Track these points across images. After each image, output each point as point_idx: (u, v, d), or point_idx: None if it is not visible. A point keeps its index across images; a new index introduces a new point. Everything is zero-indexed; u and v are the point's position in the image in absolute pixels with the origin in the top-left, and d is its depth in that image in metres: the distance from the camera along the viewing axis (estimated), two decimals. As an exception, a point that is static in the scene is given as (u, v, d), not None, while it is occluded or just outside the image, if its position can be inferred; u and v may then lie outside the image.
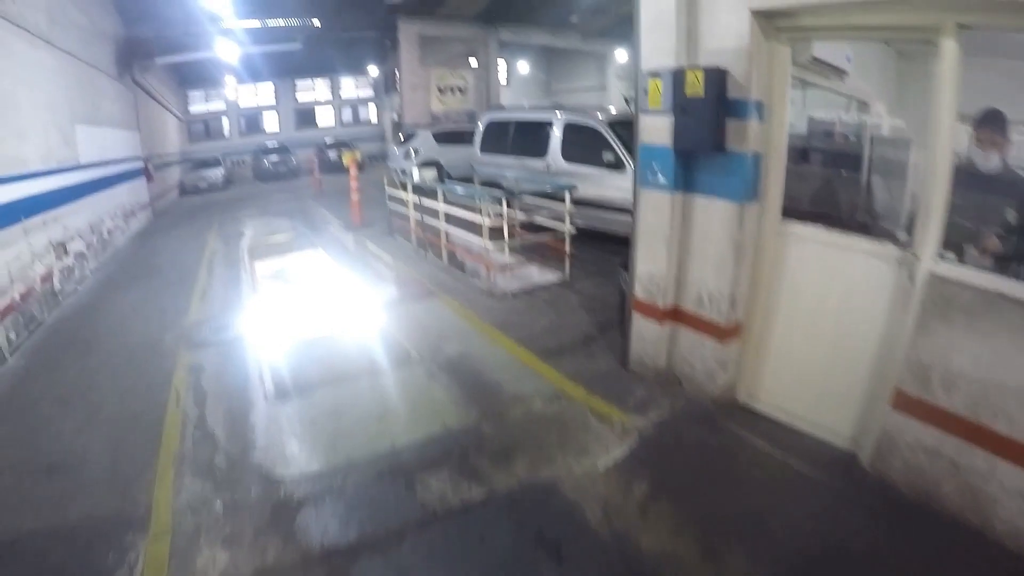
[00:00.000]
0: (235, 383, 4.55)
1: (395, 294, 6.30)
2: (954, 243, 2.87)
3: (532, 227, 7.29)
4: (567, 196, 6.38)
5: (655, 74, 3.64)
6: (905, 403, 2.94)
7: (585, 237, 7.44)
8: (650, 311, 4.00)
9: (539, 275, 6.51)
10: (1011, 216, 2.89)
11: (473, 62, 21.28)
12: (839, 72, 4.37)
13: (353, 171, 10.66)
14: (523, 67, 25.73)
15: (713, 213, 3.58)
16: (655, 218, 3.82)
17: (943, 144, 2.75)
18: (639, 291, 4.05)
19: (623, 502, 3.04)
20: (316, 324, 5.44)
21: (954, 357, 2.76)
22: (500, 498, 3.10)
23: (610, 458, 3.36)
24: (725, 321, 3.63)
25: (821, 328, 3.38)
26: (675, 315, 3.94)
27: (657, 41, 3.63)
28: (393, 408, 4.05)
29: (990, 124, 2.99)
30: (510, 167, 8.51)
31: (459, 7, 19.17)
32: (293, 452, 3.62)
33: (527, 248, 6.92)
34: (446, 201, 7.24)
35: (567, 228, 6.39)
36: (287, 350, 4.93)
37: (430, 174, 7.90)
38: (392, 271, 7.28)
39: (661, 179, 3.74)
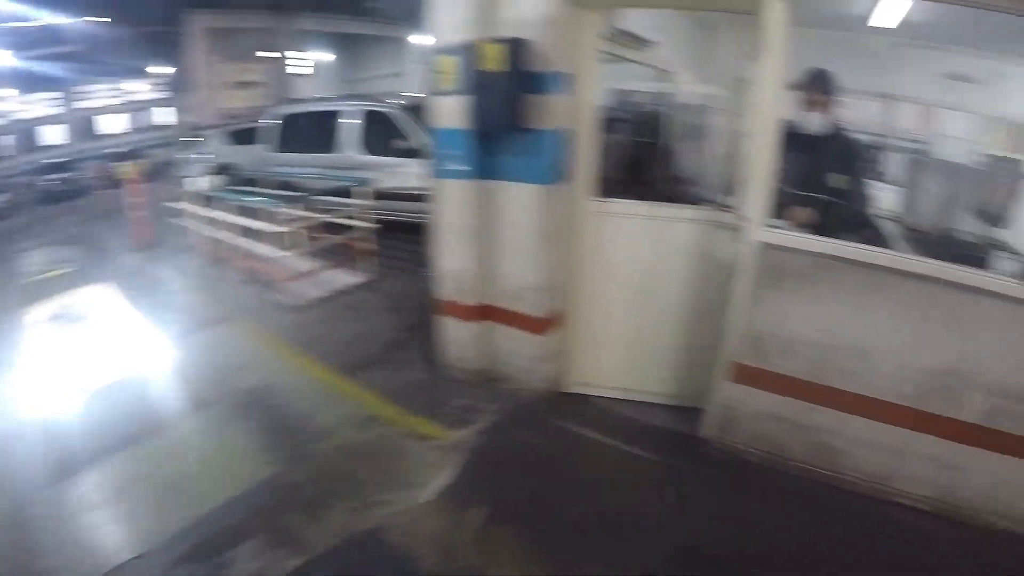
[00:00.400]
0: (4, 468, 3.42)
1: (187, 323, 5.28)
2: (783, 208, 2.83)
3: (336, 227, 6.53)
4: (363, 191, 5.77)
5: (449, 51, 3.18)
6: (744, 374, 2.89)
7: (392, 230, 6.82)
8: (460, 311, 3.57)
9: (342, 279, 5.82)
10: (835, 180, 2.85)
11: (269, 54, 19.55)
12: (647, 43, 4.18)
13: (134, 186, 9.05)
14: (322, 57, 24.00)
15: (518, 199, 3.23)
16: (456, 210, 3.38)
17: (767, 111, 2.65)
18: (446, 290, 3.60)
19: (459, 536, 2.61)
20: (97, 374, 4.33)
21: (791, 324, 2.73)
22: (320, 563, 2.53)
23: (437, 485, 2.90)
24: (542, 313, 3.32)
25: (649, 301, 3.28)
26: (488, 312, 3.56)
27: (452, 14, 3.18)
28: (190, 470, 3.23)
29: (813, 84, 2.93)
30: (305, 165, 7.63)
31: (252, -6, 17.45)
32: (86, 547, 2.75)
33: (327, 251, 6.16)
34: (237, 211, 6.26)
35: (365, 225, 5.76)
36: (64, 411, 3.81)
37: (217, 181, 6.84)
38: (184, 296, 6.14)
39: (460, 166, 3.29)
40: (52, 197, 19.88)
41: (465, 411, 3.48)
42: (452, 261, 3.49)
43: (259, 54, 19.34)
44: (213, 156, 12.36)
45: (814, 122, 2.95)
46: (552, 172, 3.10)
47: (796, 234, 2.75)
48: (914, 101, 7.23)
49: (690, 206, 3.22)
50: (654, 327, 3.33)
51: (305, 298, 5.42)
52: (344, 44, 24.13)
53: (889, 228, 3.77)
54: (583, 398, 3.57)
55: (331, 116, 7.60)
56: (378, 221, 6.13)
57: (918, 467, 2.72)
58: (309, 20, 20.05)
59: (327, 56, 23.77)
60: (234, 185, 8.06)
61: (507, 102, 3.01)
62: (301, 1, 18.93)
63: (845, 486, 2.83)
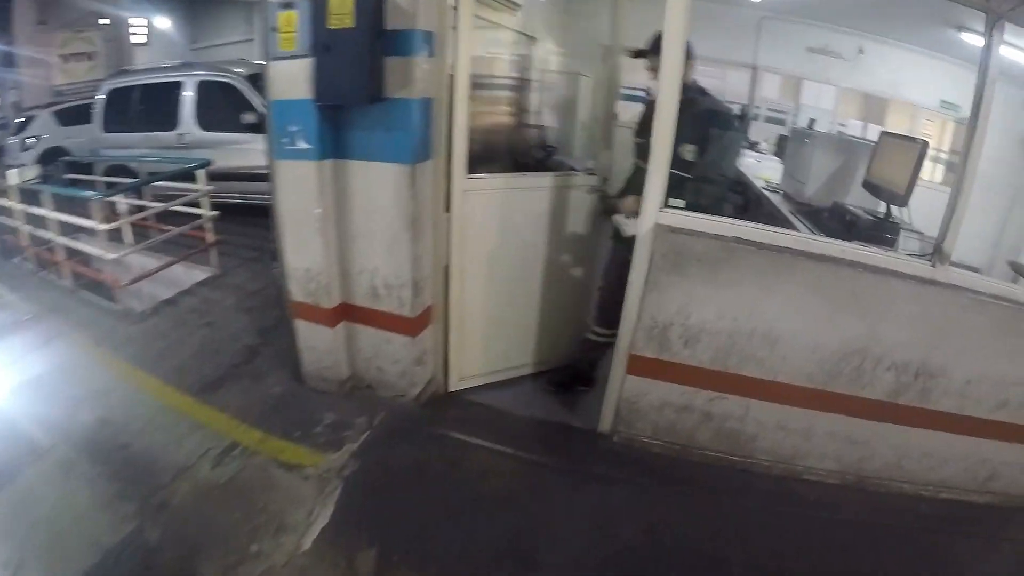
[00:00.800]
0: None
1: (8, 346, 4.23)
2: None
3: (177, 216, 5.55)
4: (201, 174, 4.90)
5: (288, 4, 2.53)
6: (645, 367, 2.64)
7: (240, 214, 5.96)
8: (315, 314, 2.98)
9: (186, 276, 4.94)
10: (687, 152, 2.51)
11: (102, 21, 16.96)
12: (512, 6, 3.65)
13: None
14: (162, 23, 20.95)
15: (376, 182, 2.67)
16: (301, 197, 2.76)
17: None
18: (297, 291, 2.99)
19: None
20: None
21: (695, 312, 2.49)
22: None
23: (316, 526, 2.39)
24: (412, 311, 2.82)
25: (522, 276, 3.13)
26: (348, 313, 3.01)
27: None
28: (27, 543, 2.48)
29: (654, 49, 2.53)
30: (140, 145, 6.50)
31: (80, -46, 14.94)
32: None
33: (167, 245, 5.20)
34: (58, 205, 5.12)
35: (207, 213, 4.92)
36: None
37: (31, 172, 5.62)
38: (3, 312, 4.98)
39: (303, 144, 2.66)
40: None
41: (335, 429, 2.95)
42: (300, 257, 2.88)
43: (92, 20, 16.78)
44: (41, 139, 10.60)
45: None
46: (417, 149, 2.58)
47: (698, 216, 2.44)
48: (780, 72, 7.40)
49: (556, 173, 3.04)
50: (525, 300, 3.20)
51: (145, 303, 4.54)
52: (190, 8, 21.36)
53: (774, 202, 3.62)
54: (465, 397, 3.18)
55: (165, 89, 6.51)
56: (222, 206, 5.26)
57: (826, 444, 2.71)
58: (149, -20, 17.57)
59: (171, 22, 20.95)
60: (66, 171, 6.76)
61: (358, 66, 2.43)
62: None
63: (757, 469, 2.78)
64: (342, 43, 2.42)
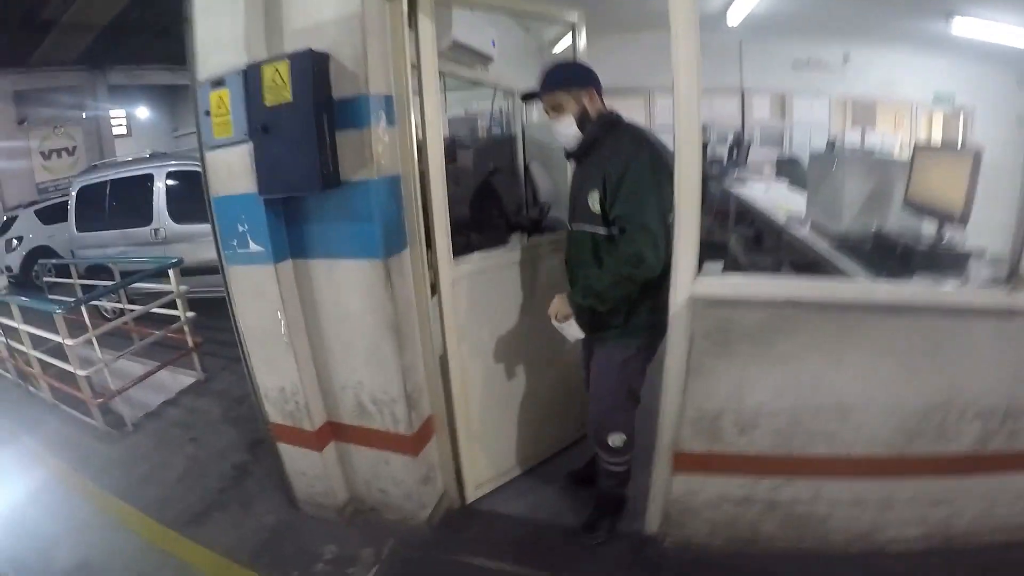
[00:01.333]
0: None
1: None
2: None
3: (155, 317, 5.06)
4: (173, 274, 4.43)
5: (218, 82, 2.11)
6: (694, 462, 2.16)
7: (224, 307, 5.35)
8: (298, 437, 2.50)
9: (170, 381, 4.46)
10: (592, 202, 2.08)
11: (83, 114, 16.68)
12: (484, 59, 3.22)
13: None
14: (143, 112, 20.58)
15: (345, 283, 2.21)
16: (262, 308, 2.29)
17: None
18: (274, 413, 2.51)
19: None
20: None
21: (750, 395, 2.01)
22: None
23: None
24: (406, 428, 2.32)
25: (530, 360, 2.72)
26: (336, 433, 2.51)
27: (218, 27, 2.09)
28: None
29: (547, 88, 2.09)
30: (115, 243, 6.06)
31: (57, 50, 14.55)
32: None
33: (146, 351, 4.70)
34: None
35: (184, 315, 4.44)
36: None
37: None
38: None
39: (254, 247, 2.21)
40: None
41: (338, 565, 2.44)
42: (272, 376, 2.41)
43: (72, 116, 16.52)
44: (24, 239, 10.20)
45: (562, 132, 2.09)
46: (387, 239, 2.11)
47: (742, 278, 1.97)
48: (767, 92, 7.04)
49: (553, 235, 2.74)
50: (535, 381, 2.78)
51: (131, 414, 4.04)
52: (169, 97, 21.14)
53: (804, 239, 3.14)
54: (484, 508, 2.67)
55: (136, 182, 6.10)
56: (205, 300, 4.75)
57: (908, 511, 2.23)
58: (127, 73, 17.36)
59: (150, 111, 20.66)
60: (47, 273, 6.31)
61: (306, 146, 1.97)
62: (117, 52, 16.26)
63: (833, 551, 2.29)
64: (283, 121, 1.98)
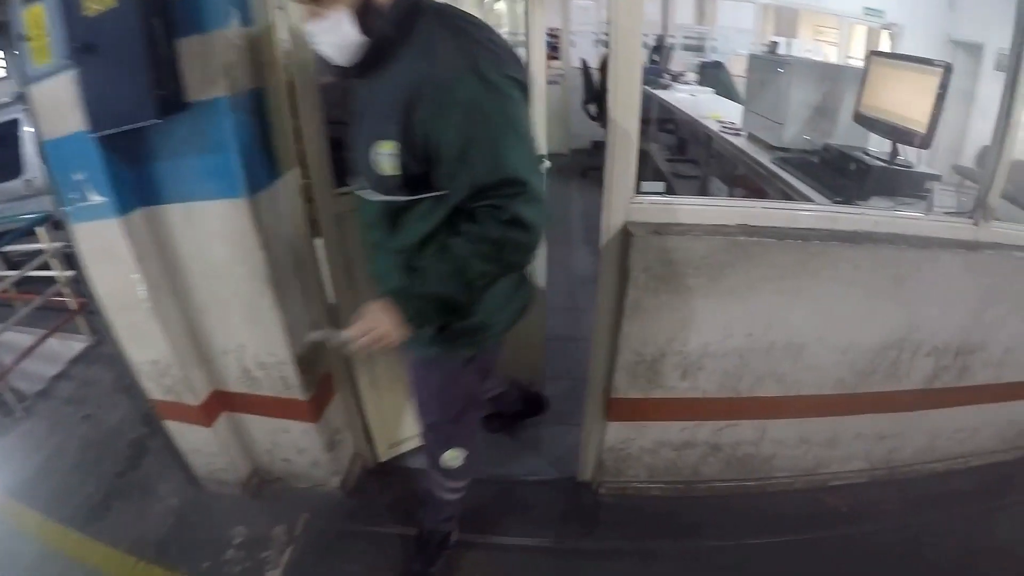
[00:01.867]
0: None
1: None
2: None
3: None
4: (41, 231, 3.80)
5: None
6: (629, 410, 1.93)
7: None
8: (184, 413, 2.10)
9: (60, 349, 3.89)
10: (385, 161, 1.23)
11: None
12: None
13: None
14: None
15: (205, 229, 1.76)
16: (114, 270, 1.82)
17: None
18: (153, 389, 2.09)
19: None
20: None
21: (693, 335, 1.76)
22: None
23: None
24: (301, 392, 1.95)
25: None
26: (225, 402, 2.13)
27: None
28: None
29: None
30: None
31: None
32: None
33: (29, 319, 4.09)
34: None
35: (61, 275, 3.85)
36: None
37: None
38: None
39: (96, 197, 1.71)
40: None
41: (250, 549, 2.14)
42: (141, 349, 1.98)
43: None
44: None
45: (329, 39, 1.18)
46: (248, 171, 1.65)
47: (688, 201, 1.64)
48: None
49: None
50: None
51: (14, 401, 3.52)
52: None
53: (745, 150, 2.82)
54: (401, 466, 2.40)
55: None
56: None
57: (853, 446, 2.16)
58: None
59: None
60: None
61: (137, 63, 1.48)
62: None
63: (775, 489, 2.19)
64: (107, 35, 1.48)
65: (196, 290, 1.87)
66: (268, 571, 2.04)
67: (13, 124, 5.12)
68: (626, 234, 1.64)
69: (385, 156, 1.18)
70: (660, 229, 1.61)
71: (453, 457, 1.67)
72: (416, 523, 2.00)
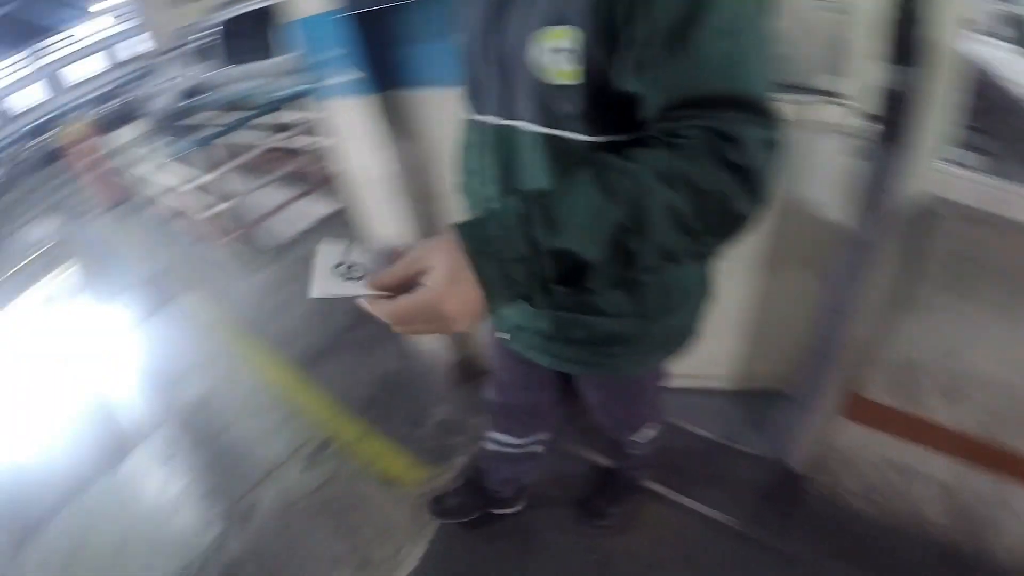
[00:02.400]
0: None
1: (135, 306, 4.06)
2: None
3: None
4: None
5: None
6: (873, 415, 1.66)
7: None
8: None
9: (308, 212, 4.41)
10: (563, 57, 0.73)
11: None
12: None
13: (83, 146, 6.42)
14: None
15: (452, 117, 1.70)
16: (361, 147, 1.86)
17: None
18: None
19: None
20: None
21: (968, 353, 1.47)
22: None
23: (401, 571, 1.84)
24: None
25: None
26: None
27: None
28: (128, 534, 2.31)
29: None
30: (248, 77, 5.68)
31: None
32: None
33: (285, 181, 4.62)
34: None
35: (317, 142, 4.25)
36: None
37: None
38: (139, 268, 4.77)
39: (350, 73, 1.70)
40: (34, 165, 15.97)
41: (445, 432, 2.31)
42: (377, 226, 2.09)
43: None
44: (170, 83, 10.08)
45: None
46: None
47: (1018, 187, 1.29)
48: None
49: None
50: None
51: (264, 250, 4.12)
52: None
53: None
54: None
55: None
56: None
57: None
58: None
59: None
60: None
61: None
62: None
63: (987, 558, 1.61)
64: None
65: (439, 179, 1.89)
66: (453, 457, 2.19)
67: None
68: (929, 213, 1.33)
69: (557, 54, 0.71)
70: (971, 215, 1.29)
71: (644, 435, 1.56)
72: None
